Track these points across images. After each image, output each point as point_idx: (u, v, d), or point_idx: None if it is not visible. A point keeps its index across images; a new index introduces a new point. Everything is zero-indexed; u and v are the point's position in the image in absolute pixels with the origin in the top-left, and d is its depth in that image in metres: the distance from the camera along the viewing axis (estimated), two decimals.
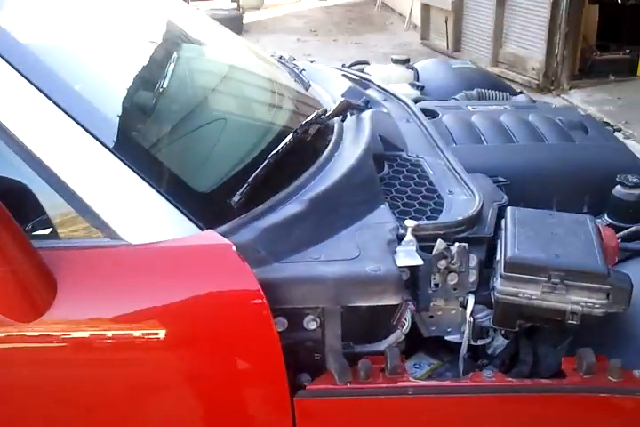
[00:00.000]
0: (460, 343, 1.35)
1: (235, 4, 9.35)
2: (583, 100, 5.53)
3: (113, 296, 1.09)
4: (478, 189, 1.48)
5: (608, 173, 1.70)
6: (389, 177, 1.56)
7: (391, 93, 2.09)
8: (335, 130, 1.62)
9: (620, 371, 1.17)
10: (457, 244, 1.29)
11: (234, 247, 1.10)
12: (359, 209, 1.37)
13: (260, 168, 1.29)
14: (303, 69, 2.08)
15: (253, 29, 9.23)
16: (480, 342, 1.37)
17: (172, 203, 1.14)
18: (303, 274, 1.16)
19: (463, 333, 1.34)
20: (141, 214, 1.13)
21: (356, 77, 2.25)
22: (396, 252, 1.25)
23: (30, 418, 1.14)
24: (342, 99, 1.71)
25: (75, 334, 1.08)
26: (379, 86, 2.17)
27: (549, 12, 5.65)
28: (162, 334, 1.10)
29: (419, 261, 1.25)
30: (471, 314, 1.33)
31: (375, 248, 1.24)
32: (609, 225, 1.62)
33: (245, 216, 1.22)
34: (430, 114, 2.00)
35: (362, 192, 1.41)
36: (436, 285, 1.30)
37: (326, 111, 1.59)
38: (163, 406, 1.15)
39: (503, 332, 1.37)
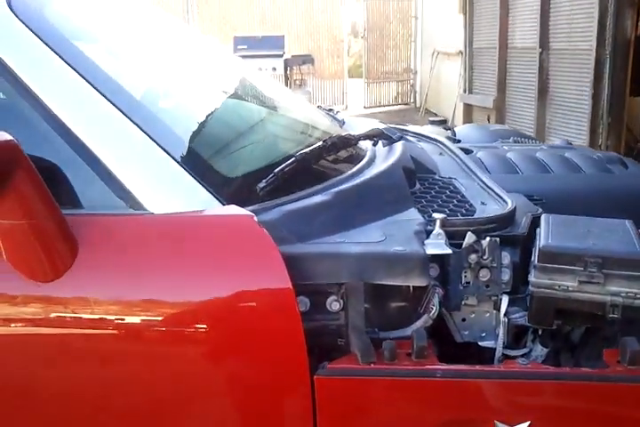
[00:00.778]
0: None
1: None
2: None
3: (133, 262, 1.08)
4: (512, 199, 1.44)
5: None
6: (420, 192, 1.54)
7: (426, 135, 2.12)
8: (367, 150, 1.64)
9: None
10: (488, 238, 1.25)
11: (255, 218, 1.09)
12: (387, 208, 1.34)
13: (287, 163, 1.30)
14: (343, 119, 2.13)
15: None
16: (517, 353, 1.28)
17: (197, 181, 1.14)
18: (326, 250, 1.13)
19: (498, 336, 1.26)
20: (167, 189, 1.14)
21: (392, 126, 2.29)
22: (424, 244, 1.22)
23: (39, 374, 1.10)
24: (375, 126, 1.74)
25: (91, 298, 1.05)
26: (414, 132, 2.19)
27: (591, 105, 5.73)
28: (179, 303, 1.07)
29: (447, 251, 1.21)
30: (505, 315, 1.26)
31: (402, 236, 1.21)
32: None
33: (270, 202, 1.22)
34: (464, 151, 2.00)
35: (390, 194, 1.39)
36: (468, 282, 1.25)
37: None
38: (176, 376, 1.09)
39: (541, 340, 1.28)
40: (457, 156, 1.83)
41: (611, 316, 1.16)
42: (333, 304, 1.14)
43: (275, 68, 9.33)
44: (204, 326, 1.08)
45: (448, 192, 1.55)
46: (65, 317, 1.06)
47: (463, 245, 1.24)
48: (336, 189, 1.31)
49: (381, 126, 2.07)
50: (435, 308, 1.17)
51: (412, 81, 11.57)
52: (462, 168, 1.74)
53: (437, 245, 1.22)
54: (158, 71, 1.50)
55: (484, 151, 1.99)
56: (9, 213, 0.99)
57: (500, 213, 1.34)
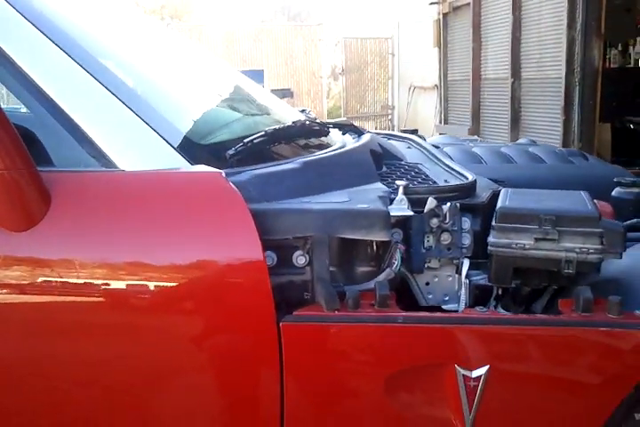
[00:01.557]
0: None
1: None
2: None
3: (104, 217, 1.11)
4: (474, 175, 1.50)
5: (606, 186, 1.73)
6: (386, 173, 1.60)
7: (395, 134, 2.19)
8: (336, 137, 1.70)
9: (619, 307, 1.13)
10: (449, 203, 1.30)
11: (223, 174, 1.13)
12: (353, 180, 1.40)
13: (257, 135, 1.36)
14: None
15: None
16: None
17: (168, 143, 1.19)
18: (293, 207, 1.18)
19: (460, 298, 1.31)
20: (138, 149, 1.18)
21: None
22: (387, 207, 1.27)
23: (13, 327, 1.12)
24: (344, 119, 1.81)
25: (64, 250, 1.09)
26: (384, 133, 2.27)
27: (562, 132, 5.88)
28: (148, 255, 1.10)
29: (409, 213, 1.26)
30: (467, 277, 1.30)
31: (366, 199, 1.26)
32: None
33: (239, 167, 1.27)
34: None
35: (357, 169, 1.45)
36: (430, 246, 1.30)
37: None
38: (147, 330, 1.12)
39: (502, 304, 1.33)
40: (424, 148, 1.90)
41: (566, 271, 1.21)
42: (299, 259, 1.18)
43: None
44: (175, 281, 1.11)
45: (413, 173, 1.61)
46: (37, 269, 1.09)
47: (425, 210, 1.29)
48: (304, 159, 1.37)
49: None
50: (397, 262, 1.21)
51: (390, 116, 11.78)
52: (428, 157, 1.81)
53: (400, 209, 1.27)
54: (136, 45, 1.55)
55: (451, 146, 2.06)
56: None
57: (461, 182, 1.40)
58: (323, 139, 1.67)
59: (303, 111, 2.27)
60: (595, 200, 1.37)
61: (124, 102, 1.19)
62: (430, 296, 1.33)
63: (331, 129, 1.73)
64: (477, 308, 1.17)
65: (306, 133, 1.58)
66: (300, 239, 1.18)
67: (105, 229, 1.11)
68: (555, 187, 1.75)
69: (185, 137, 1.24)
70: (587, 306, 1.13)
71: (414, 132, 2.82)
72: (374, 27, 12.58)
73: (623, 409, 1.19)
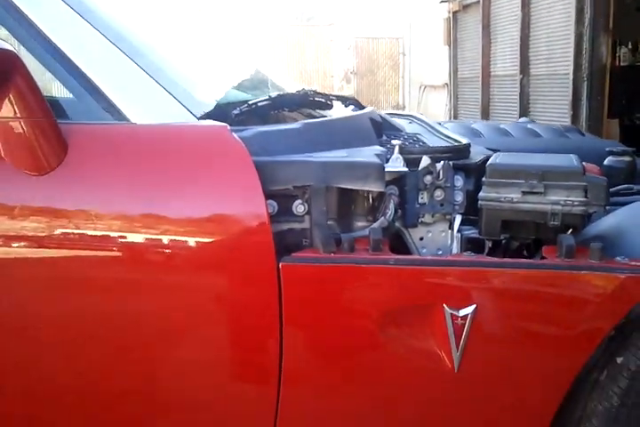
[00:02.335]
0: None
1: None
2: None
3: (115, 164, 1.19)
4: (469, 141, 1.58)
5: (600, 158, 1.80)
6: (385, 140, 1.67)
7: (397, 113, 2.26)
8: (338, 108, 1.78)
9: (601, 253, 1.19)
10: (442, 161, 1.37)
11: (229, 128, 1.21)
12: (352, 142, 1.47)
13: (262, 98, 1.43)
14: None
15: None
16: None
17: (177, 100, 1.27)
18: (292, 159, 1.26)
19: (452, 252, 1.38)
20: (149, 105, 1.26)
21: None
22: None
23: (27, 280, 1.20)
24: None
25: (78, 195, 1.17)
26: (387, 112, 2.34)
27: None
28: (156, 204, 1.18)
29: (404, 169, 1.33)
30: (458, 231, 1.38)
31: (363, 155, 1.34)
32: None
33: (242, 126, 1.34)
34: None
35: (356, 133, 1.52)
36: (424, 202, 1.37)
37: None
38: (157, 281, 1.20)
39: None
40: (424, 122, 1.97)
41: (552, 223, 1.28)
42: (298, 207, 1.26)
43: None
44: (182, 228, 1.18)
45: (411, 141, 1.68)
46: (56, 210, 1.17)
47: (419, 168, 1.36)
48: (306, 121, 1.44)
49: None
50: (390, 212, 1.28)
51: None
52: (428, 129, 1.88)
53: (395, 166, 1.34)
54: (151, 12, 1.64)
55: (451, 123, 2.13)
56: (8, 111, 1.11)
57: (455, 144, 1.47)
58: (325, 110, 1.74)
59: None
60: (583, 162, 1.44)
61: (136, 62, 1.27)
62: (424, 250, 1.40)
63: (334, 101, 1.80)
64: (466, 253, 1.24)
65: (309, 103, 1.66)
66: (300, 189, 1.25)
67: (116, 176, 1.19)
68: None
69: (192, 95, 1.32)
70: (569, 252, 1.20)
71: None
72: (385, 27, 12.68)
73: (605, 353, 1.26)
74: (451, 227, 1.39)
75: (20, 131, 1.12)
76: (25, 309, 1.21)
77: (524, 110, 6.48)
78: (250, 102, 1.40)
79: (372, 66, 12.52)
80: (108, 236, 1.17)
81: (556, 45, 6.03)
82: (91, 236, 1.17)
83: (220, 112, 1.36)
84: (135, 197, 1.19)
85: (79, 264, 1.20)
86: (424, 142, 1.64)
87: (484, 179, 1.33)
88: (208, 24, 1.96)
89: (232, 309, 1.20)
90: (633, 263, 1.19)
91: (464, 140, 1.56)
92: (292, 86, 2.00)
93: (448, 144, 1.49)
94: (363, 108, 1.90)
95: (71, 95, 1.26)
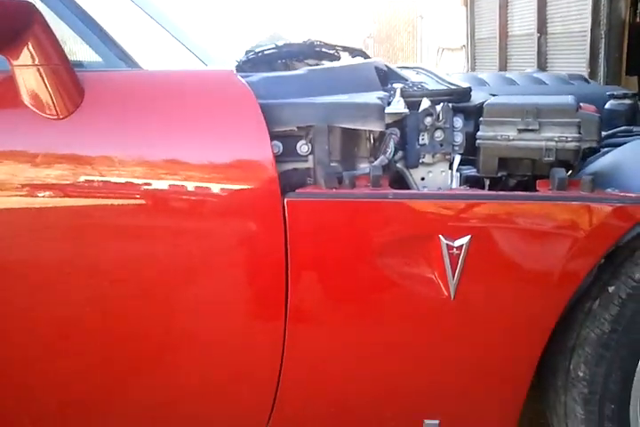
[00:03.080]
0: None
1: None
2: None
3: (129, 108, 1.27)
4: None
5: (603, 103, 1.83)
6: (389, 88, 1.72)
7: (405, 66, 2.30)
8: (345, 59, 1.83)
9: (591, 185, 1.25)
10: (442, 103, 1.43)
11: (235, 72, 1.28)
12: (356, 88, 1.52)
13: (269, 46, 1.49)
14: None
15: None
16: None
17: (187, 48, 1.34)
18: (296, 101, 1.32)
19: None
20: (159, 52, 1.33)
21: None
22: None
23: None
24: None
25: (95, 138, 1.25)
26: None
27: None
28: (167, 146, 1.25)
29: (405, 111, 1.39)
30: (457, 170, 1.43)
31: (365, 98, 1.40)
32: None
33: (248, 72, 1.41)
34: None
35: (361, 80, 1.57)
36: (424, 143, 1.43)
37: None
38: (166, 219, 1.28)
39: None
40: (431, 72, 2.01)
41: (546, 159, 1.33)
42: (302, 147, 1.33)
43: None
44: (191, 170, 1.25)
45: (415, 88, 1.73)
46: (73, 154, 1.25)
47: (419, 109, 1.42)
48: (311, 68, 1.50)
49: None
50: (390, 150, 1.35)
51: None
52: (433, 78, 1.92)
53: (397, 107, 1.40)
54: None
55: (460, 74, 2.17)
56: (27, 58, 1.19)
57: (456, 87, 1.52)
58: (333, 62, 1.79)
59: None
60: (581, 103, 1.49)
61: (149, 14, 1.34)
62: (425, 190, 1.46)
63: (341, 52, 1.85)
64: (461, 186, 1.30)
65: (316, 54, 1.71)
66: (303, 130, 1.32)
67: (128, 119, 1.26)
68: None
69: (199, 44, 1.39)
70: (561, 184, 1.25)
71: None
72: None
73: (598, 283, 1.32)
74: (450, 167, 1.45)
75: (39, 77, 1.20)
76: (51, 256, 1.29)
77: (542, 69, 6.42)
78: (257, 50, 1.46)
79: (391, 31, 12.41)
80: (123, 180, 1.25)
81: (573, 2, 5.96)
82: (104, 179, 1.24)
83: (227, 58, 1.43)
84: (144, 140, 1.26)
85: (97, 206, 1.27)
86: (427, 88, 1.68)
87: (481, 118, 1.38)
88: None
89: (241, 247, 1.27)
90: (622, 194, 1.25)
91: (466, 85, 1.60)
92: None
93: (448, 87, 1.53)
94: (369, 58, 1.95)
95: (87, 45, 1.33)
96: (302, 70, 1.48)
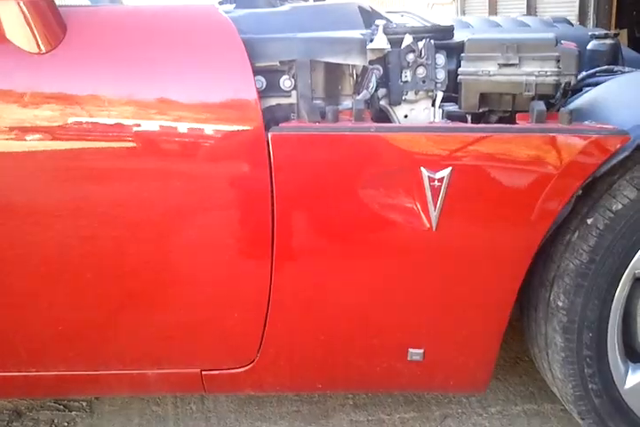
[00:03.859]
0: None
1: None
2: None
3: (113, 42, 1.27)
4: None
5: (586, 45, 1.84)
6: (372, 27, 1.72)
7: (391, 11, 2.29)
8: None
9: (569, 117, 1.27)
10: (424, 39, 1.43)
11: (218, 7, 1.28)
12: (339, 26, 1.53)
13: None
14: None
15: None
16: None
17: None
18: (278, 36, 1.33)
19: None
20: None
21: None
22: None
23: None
24: None
25: (79, 73, 1.26)
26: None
27: None
28: (151, 80, 1.26)
29: (387, 46, 1.40)
30: (440, 107, 1.45)
31: (347, 33, 1.40)
32: None
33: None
34: None
35: (344, 18, 1.58)
36: (407, 80, 1.44)
37: None
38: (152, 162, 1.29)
39: None
40: (416, 15, 2.02)
41: (526, 94, 1.36)
42: (285, 82, 1.34)
43: None
44: (174, 106, 1.26)
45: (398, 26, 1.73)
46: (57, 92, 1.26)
47: (402, 46, 1.42)
48: (294, 5, 1.51)
49: None
50: (372, 84, 1.36)
51: None
52: (417, 20, 1.93)
53: (379, 43, 1.41)
54: None
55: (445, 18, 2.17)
56: None
57: (439, 25, 1.53)
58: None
59: None
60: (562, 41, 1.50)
61: None
62: (406, 123, 1.48)
63: None
64: (442, 120, 1.32)
65: None
66: (286, 64, 1.33)
67: (111, 54, 1.27)
68: None
69: None
70: (540, 117, 1.28)
71: None
72: None
73: (577, 216, 1.36)
74: (433, 104, 1.47)
75: (19, 10, 1.20)
76: (42, 199, 1.31)
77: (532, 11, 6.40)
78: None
79: None
80: (107, 118, 1.25)
81: None
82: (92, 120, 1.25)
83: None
84: (128, 75, 1.27)
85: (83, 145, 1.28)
86: None
87: (462, 54, 1.39)
88: None
89: (227, 181, 1.29)
90: (599, 126, 1.27)
91: (449, 24, 1.61)
92: None
93: (432, 25, 1.54)
94: None
95: None
96: (285, 7, 1.48)
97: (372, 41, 1.42)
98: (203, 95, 1.28)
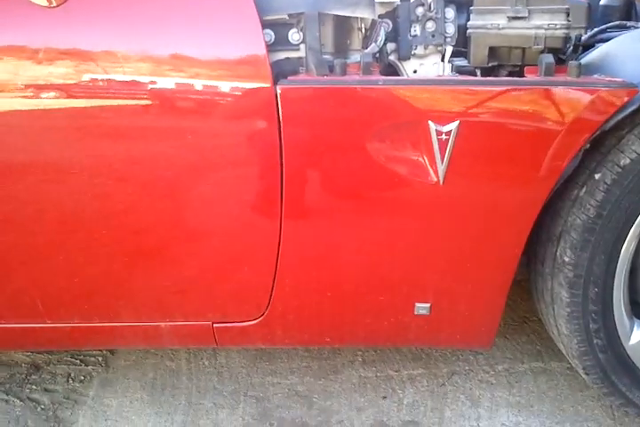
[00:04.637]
0: None
1: None
2: None
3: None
4: None
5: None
6: None
7: None
8: None
9: (578, 70, 1.26)
10: None
11: None
12: None
13: None
14: None
15: None
16: None
17: None
18: None
19: None
20: None
21: None
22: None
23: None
24: None
25: (92, 26, 1.26)
26: None
27: None
28: (158, 39, 1.27)
29: (396, 0, 1.39)
30: (449, 62, 1.45)
31: None
32: None
33: None
34: None
35: None
36: (416, 35, 1.43)
37: None
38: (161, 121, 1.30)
39: None
40: None
41: (535, 47, 1.35)
42: (294, 36, 1.34)
43: None
44: (185, 61, 1.27)
45: None
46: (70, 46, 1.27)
47: (411, 0, 1.42)
48: None
49: None
50: (381, 38, 1.36)
51: None
52: None
53: None
54: None
55: None
56: None
57: None
58: None
59: None
60: None
61: None
62: (415, 76, 1.48)
63: None
64: (450, 73, 1.32)
65: None
66: (294, 18, 1.33)
67: (123, 9, 1.27)
68: None
69: None
70: (549, 70, 1.27)
71: None
72: None
73: (585, 171, 1.36)
74: (442, 59, 1.46)
75: None
76: (57, 156, 1.32)
77: None
78: None
79: None
80: (120, 74, 1.26)
81: None
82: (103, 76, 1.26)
83: None
84: (138, 30, 1.28)
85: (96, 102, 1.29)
86: None
87: (472, 7, 1.38)
88: None
89: (237, 136, 1.30)
90: (608, 79, 1.26)
91: None
92: None
93: None
94: None
95: None
96: None
97: None
98: (211, 49, 1.28)
